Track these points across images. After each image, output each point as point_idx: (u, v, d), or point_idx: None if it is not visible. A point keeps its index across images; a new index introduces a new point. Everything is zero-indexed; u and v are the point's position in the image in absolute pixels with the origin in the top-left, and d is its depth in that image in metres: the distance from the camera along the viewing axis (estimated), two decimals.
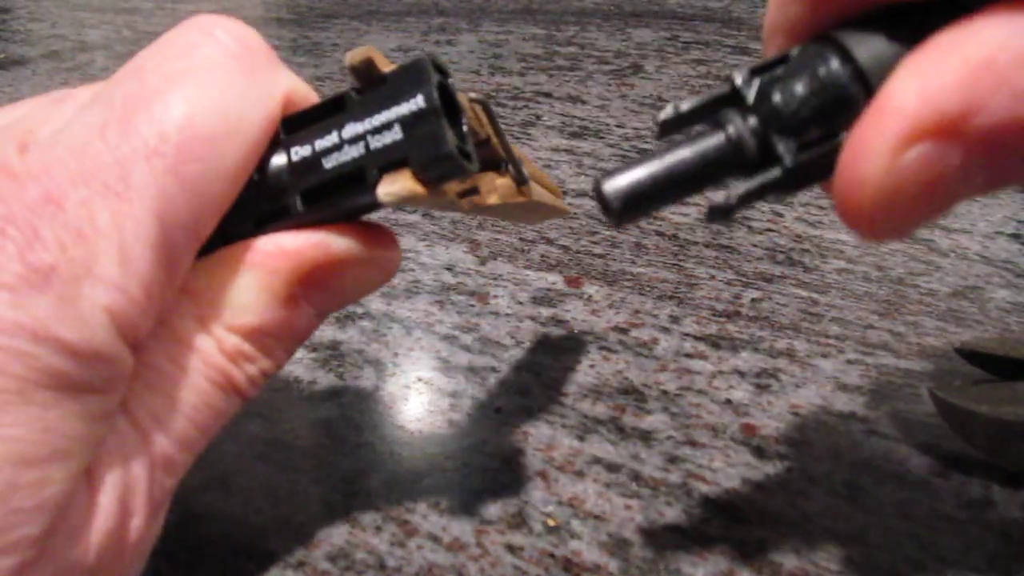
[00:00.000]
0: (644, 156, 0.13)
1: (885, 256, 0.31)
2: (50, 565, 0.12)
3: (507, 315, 0.28)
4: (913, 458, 0.22)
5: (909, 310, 0.27)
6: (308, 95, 0.16)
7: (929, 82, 0.11)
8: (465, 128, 0.15)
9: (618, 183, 0.13)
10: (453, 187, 0.15)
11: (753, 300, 0.28)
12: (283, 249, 0.15)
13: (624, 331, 0.27)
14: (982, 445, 0.20)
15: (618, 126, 0.43)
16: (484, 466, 0.22)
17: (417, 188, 0.14)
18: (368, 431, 0.23)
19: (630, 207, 0.13)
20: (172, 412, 0.14)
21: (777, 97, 0.13)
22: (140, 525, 0.14)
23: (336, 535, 0.20)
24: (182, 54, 0.14)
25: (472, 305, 0.28)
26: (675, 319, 0.27)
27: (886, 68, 0.12)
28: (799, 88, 0.13)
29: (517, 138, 0.41)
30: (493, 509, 0.20)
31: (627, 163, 0.14)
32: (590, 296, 0.29)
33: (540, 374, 0.25)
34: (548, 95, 0.47)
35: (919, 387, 0.24)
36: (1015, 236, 0.32)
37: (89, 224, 0.12)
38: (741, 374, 0.25)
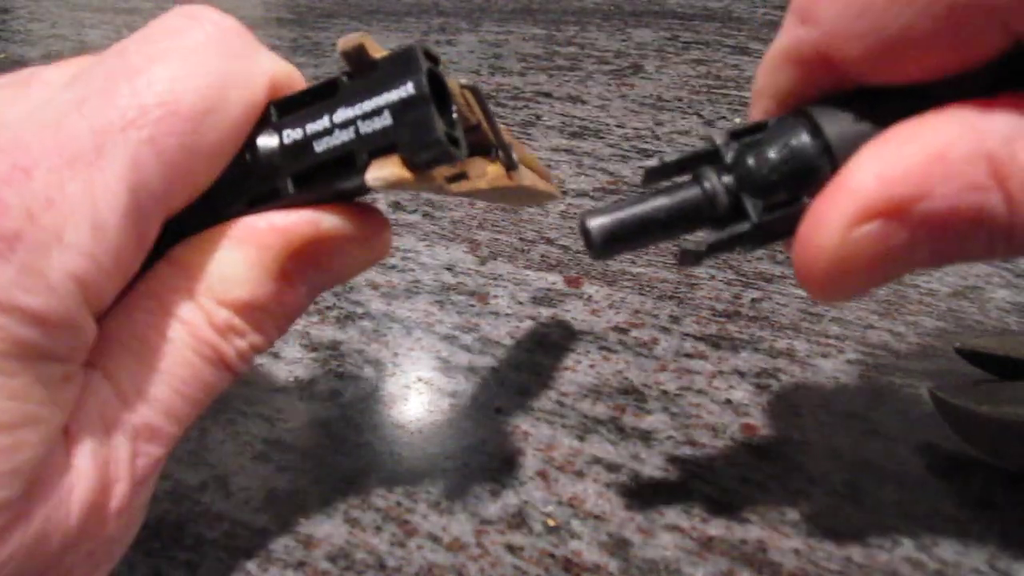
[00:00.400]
0: (627, 200, 0.15)
1: None
2: (31, 528, 0.13)
3: (507, 315, 0.28)
4: (913, 458, 0.22)
5: (909, 310, 0.27)
6: (293, 78, 0.16)
7: (885, 168, 0.13)
8: (454, 115, 0.15)
9: (601, 221, 0.15)
10: (442, 172, 0.15)
11: (753, 300, 0.28)
12: (274, 226, 0.15)
13: (624, 331, 0.27)
14: (982, 445, 0.20)
15: (618, 126, 0.43)
16: (484, 466, 0.22)
17: (405, 174, 0.14)
18: (368, 431, 0.23)
19: (609, 243, 0.15)
20: (158, 383, 0.15)
21: (751, 160, 0.14)
22: (123, 492, 0.14)
23: (336, 535, 0.20)
24: (166, 36, 0.15)
25: (472, 305, 0.28)
26: (675, 319, 0.27)
27: (851, 146, 0.13)
28: (771, 154, 0.14)
29: (517, 138, 0.41)
30: (493, 509, 0.20)
31: (612, 204, 0.15)
32: (590, 296, 0.29)
33: (540, 374, 0.25)
34: (548, 95, 0.47)
35: (919, 387, 0.24)
36: None
37: (59, 192, 0.12)
38: (741, 374, 0.25)
